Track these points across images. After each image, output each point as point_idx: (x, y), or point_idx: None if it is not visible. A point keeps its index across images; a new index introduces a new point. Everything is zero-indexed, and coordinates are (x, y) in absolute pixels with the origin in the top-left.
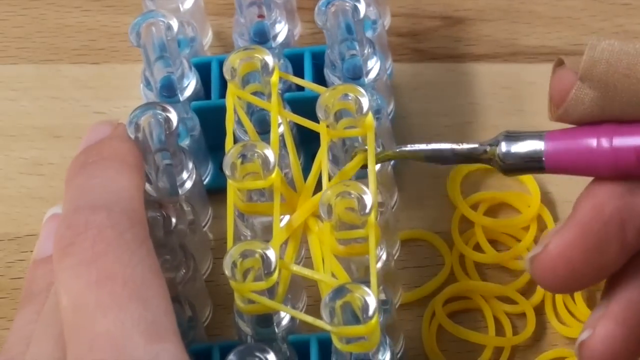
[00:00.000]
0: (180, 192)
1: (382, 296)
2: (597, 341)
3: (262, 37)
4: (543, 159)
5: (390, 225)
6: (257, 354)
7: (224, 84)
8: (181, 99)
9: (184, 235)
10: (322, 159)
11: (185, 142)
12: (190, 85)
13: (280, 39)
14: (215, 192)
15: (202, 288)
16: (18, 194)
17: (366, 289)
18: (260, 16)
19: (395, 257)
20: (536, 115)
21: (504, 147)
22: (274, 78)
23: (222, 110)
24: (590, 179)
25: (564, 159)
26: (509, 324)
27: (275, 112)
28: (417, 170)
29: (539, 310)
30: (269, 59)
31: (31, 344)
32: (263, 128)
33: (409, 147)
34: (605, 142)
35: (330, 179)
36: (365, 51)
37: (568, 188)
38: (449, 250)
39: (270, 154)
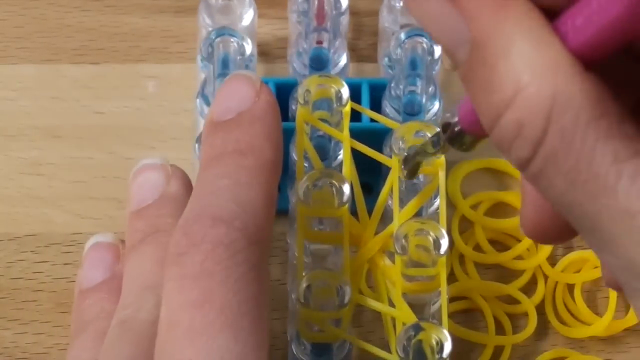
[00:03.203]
0: None
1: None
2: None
3: (319, 64)
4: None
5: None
6: None
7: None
8: None
9: None
10: (394, 193)
11: None
12: None
13: (340, 67)
14: None
15: None
16: (18, 194)
17: (443, 330)
18: (319, 42)
19: None
20: None
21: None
22: (347, 108)
23: None
24: None
25: (472, 120)
26: (509, 324)
27: (347, 143)
28: None
29: (539, 310)
30: (345, 90)
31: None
32: (320, 155)
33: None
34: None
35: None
36: (429, 89)
37: None
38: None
39: (346, 185)
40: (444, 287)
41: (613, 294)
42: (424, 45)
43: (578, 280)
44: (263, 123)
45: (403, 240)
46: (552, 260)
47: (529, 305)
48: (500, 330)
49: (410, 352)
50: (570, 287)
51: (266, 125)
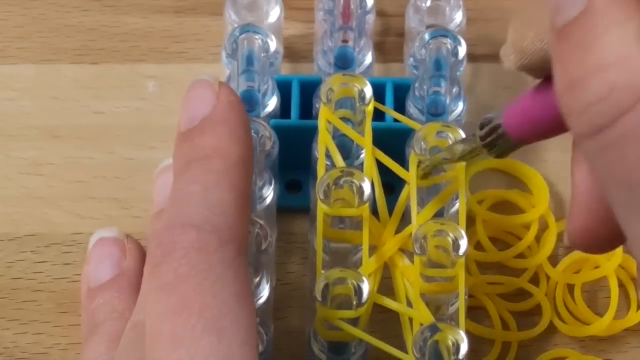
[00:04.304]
0: (258, 208)
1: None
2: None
3: (344, 62)
4: (503, 128)
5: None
6: None
7: (303, 105)
8: (261, 115)
9: (264, 254)
10: (412, 195)
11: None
12: (271, 102)
13: (365, 66)
14: (277, 210)
15: (270, 306)
16: (18, 194)
17: (461, 332)
18: (344, 41)
19: None
20: None
21: (477, 132)
22: (370, 108)
23: (300, 130)
24: None
25: (519, 121)
26: (513, 322)
27: (369, 144)
28: None
29: (539, 310)
30: (368, 89)
31: None
32: (343, 153)
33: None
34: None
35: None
36: (454, 90)
37: None
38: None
39: (367, 184)
40: (462, 288)
41: (614, 294)
42: (448, 46)
43: (578, 280)
44: (226, 124)
45: (422, 241)
46: (553, 260)
47: (541, 297)
48: (504, 328)
49: (427, 353)
50: (570, 287)
51: (229, 125)
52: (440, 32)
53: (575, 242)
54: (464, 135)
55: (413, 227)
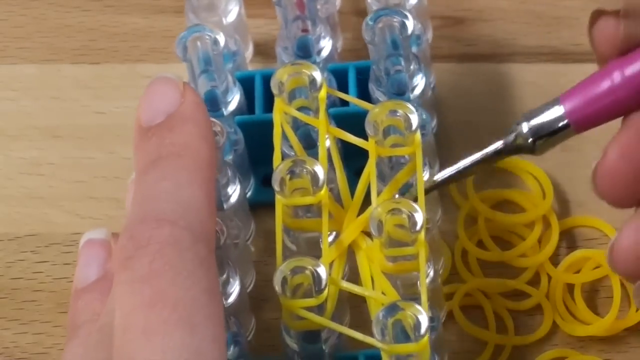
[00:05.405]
0: (225, 206)
1: (430, 313)
2: (624, 241)
3: (305, 52)
4: (566, 119)
5: (435, 241)
6: None
7: (267, 99)
8: (225, 113)
9: (229, 250)
10: (371, 175)
11: (229, 157)
12: (234, 99)
13: (325, 53)
14: (257, 206)
15: (245, 303)
16: (18, 194)
17: (419, 307)
18: (304, 30)
19: (440, 273)
20: None
21: (525, 126)
22: (322, 94)
23: (266, 124)
24: None
25: (585, 111)
26: (511, 323)
27: (323, 129)
28: None
29: (539, 310)
30: (317, 75)
31: None
32: (307, 143)
33: (447, 172)
34: (617, 76)
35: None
36: (411, 67)
37: (581, 187)
38: (449, 251)
39: (320, 170)
40: (422, 265)
41: (617, 294)
42: (395, 22)
43: (578, 280)
44: (194, 123)
45: (378, 221)
46: (553, 259)
47: (542, 298)
48: (503, 328)
49: (389, 333)
50: (570, 287)
51: (197, 125)
52: (384, 12)
53: (607, 187)
54: (415, 112)
55: (372, 208)
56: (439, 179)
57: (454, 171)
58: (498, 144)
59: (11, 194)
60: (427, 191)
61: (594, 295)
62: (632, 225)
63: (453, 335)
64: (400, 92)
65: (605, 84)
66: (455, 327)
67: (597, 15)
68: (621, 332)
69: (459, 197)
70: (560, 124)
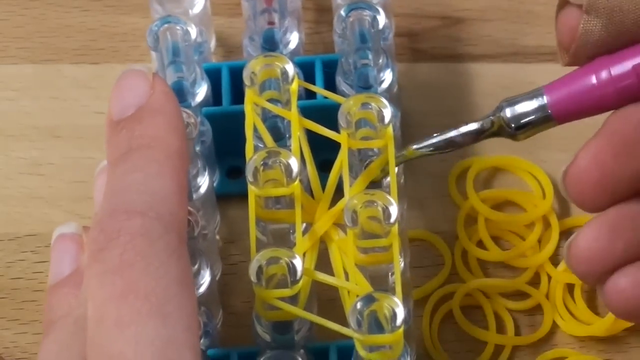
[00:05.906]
0: (194, 197)
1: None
2: (581, 240)
3: (272, 44)
4: (549, 110)
5: (403, 234)
6: None
7: (234, 90)
8: (193, 104)
9: (198, 241)
10: (344, 167)
11: (196, 148)
12: (201, 91)
13: (292, 46)
14: (221, 197)
15: (214, 293)
16: (18, 194)
17: (395, 298)
18: (271, 23)
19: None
20: None
21: (508, 112)
22: (294, 86)
23: (233, 116)
24: None
25: (568, 104)
26: (512, 323)
27: (296, 121)
28: (417, 171)
29: (539, 310)
30: (290, 67)
31: None
32: (275, 135)
33: (422, 144)
34: (604, 74)
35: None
36: (380, 61)
37: None
38: (449, 251)
39: (294, 162)
40: (396, 257)
41: None
42: (366, 17)
43: (578, 280)
44: (164, 114)
45: (352, 213)
46: (553, 259)
47: (542, 299)
48: (503, 328)
49: (364, 324)
50: (570, 287)
51: (167, 116)
52: (356, 5)
53: (581, 189)
54: (388, 105)
55: (345, 200)
56: (414, 148)
57: (425, 144)
58: (474, 125)
59: (11, 194)
60: (397, 164)
61: (594, 295)
62: (592, 224)
63: (453, 335)
64: (367, 85)
65: (590, 80)
66: (455, 327)
67: (563, 3)
68: (621, 332)
69: (459, 197)
70: (543, 115)
